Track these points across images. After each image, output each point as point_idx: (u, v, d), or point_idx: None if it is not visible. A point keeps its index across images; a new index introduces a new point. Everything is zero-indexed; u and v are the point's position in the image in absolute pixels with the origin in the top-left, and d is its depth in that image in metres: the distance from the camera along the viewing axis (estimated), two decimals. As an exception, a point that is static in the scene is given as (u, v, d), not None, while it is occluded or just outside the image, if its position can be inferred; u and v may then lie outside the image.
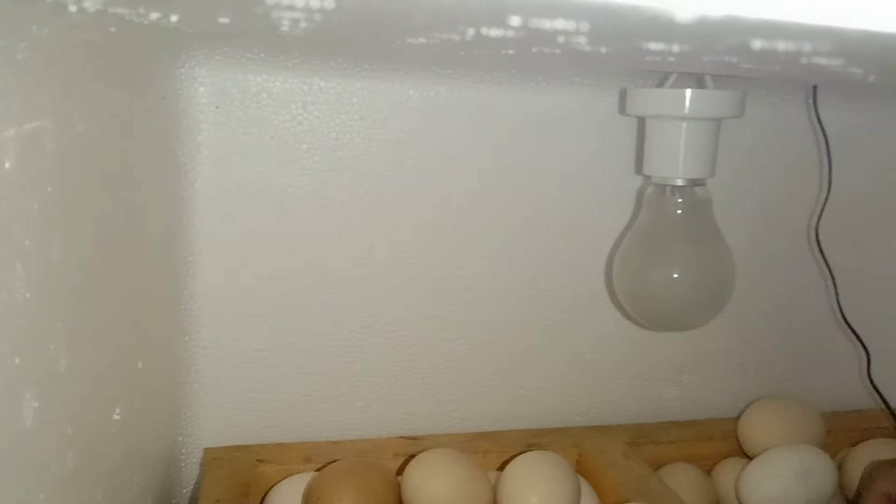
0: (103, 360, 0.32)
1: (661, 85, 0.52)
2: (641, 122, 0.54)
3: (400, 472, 0.49)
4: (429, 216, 0.54)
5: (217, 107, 0.49)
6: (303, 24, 0.22)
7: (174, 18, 0.26)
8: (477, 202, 0.54)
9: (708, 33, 0.16)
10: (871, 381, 0.59)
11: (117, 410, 0.34)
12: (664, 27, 0.16)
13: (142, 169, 0.40)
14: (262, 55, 0.49)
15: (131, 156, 0.38)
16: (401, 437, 0.55)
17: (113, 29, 0.30)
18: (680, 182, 0.49)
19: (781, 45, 0.18)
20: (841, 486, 0.54)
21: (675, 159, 0.48)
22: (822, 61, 0.22)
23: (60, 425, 0.27)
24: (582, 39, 0.21)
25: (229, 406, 0.54)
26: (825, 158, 0.58)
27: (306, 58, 0.49)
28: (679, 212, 0.49)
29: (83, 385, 0.29)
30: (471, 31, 0.21)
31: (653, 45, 0.22)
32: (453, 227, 0.55)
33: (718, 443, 0.58)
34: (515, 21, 0.17)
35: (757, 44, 0.18)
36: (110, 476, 0.33)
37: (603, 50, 0.25)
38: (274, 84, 0.50)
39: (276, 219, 0.51)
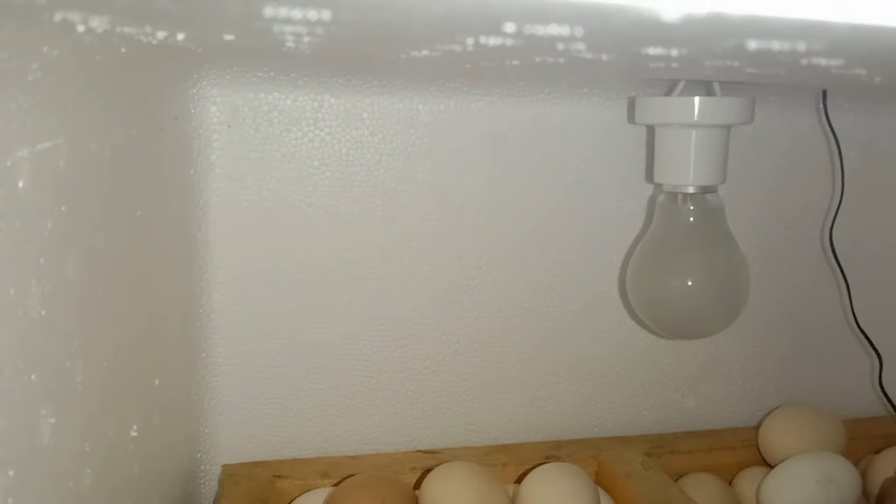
0: (119, 376, 0.32)
1: (669, 93, 0.53)
2: (651, 130, 0.54)
3: (417, 485, 0.49)
4: (441, 229, 0.54)
5: (229, 126, 0.50)
6: (306, 39, 0.22)
7: (181, 37, 0.26)
8: (488, 214, 0.55)
9: (699, 34, 0.16)
10: (883, 388, 0.59)
11: (135, 427, 0.35)
12: (654, 28, 0.16)
13: (155, 187, 0.41)
14: (272, 73, 0.49)
15: (144, 174, 0.38)
16: (418, 450, 0.55)
17: (123, 50, 0.30)
18: (691, 189, 0.48)
19: (776, 45, 0.18)
20: (864, 493, 0.53)
21: (686, 167, 0.48)
22: (823, 62, 0.22)
23: (78, 442, 0.27)
24: (581, 46, 0.21)
25: (246, 422, 0.55)
26: (837, 163, 0.58)
27: (316, 75, 0.50)
28: (691, 219, 0.49)
29: (100, 401, 0.29)
30: (470, 41, 0.21)
31: (651, 50, 0.22)
32: (465, 240, 0.55)
33: (738, 452, 0.57)
34: (510, 27, 0.17)
35: (752, 45, 0.18)
36: (128, 493, 0.34)
37: (604, 57, 0.25)
38: (285, 102, 0.50)
39: (290, 235, 0.52)
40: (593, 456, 0.54)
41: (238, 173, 0.50)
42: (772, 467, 0.53)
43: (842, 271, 0.58)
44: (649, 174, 0.54)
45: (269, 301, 0.53)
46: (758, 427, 0.58)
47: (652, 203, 0.55)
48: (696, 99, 0.47)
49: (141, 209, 0.37)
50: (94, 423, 0.29)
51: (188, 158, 0.49)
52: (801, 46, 0.18)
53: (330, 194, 0.52)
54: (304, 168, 0.51)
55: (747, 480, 0.54)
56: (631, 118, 0.54)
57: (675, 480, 0.54)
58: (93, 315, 0.29)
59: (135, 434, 0.34)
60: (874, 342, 0.59)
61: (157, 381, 0.40)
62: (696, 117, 0.47)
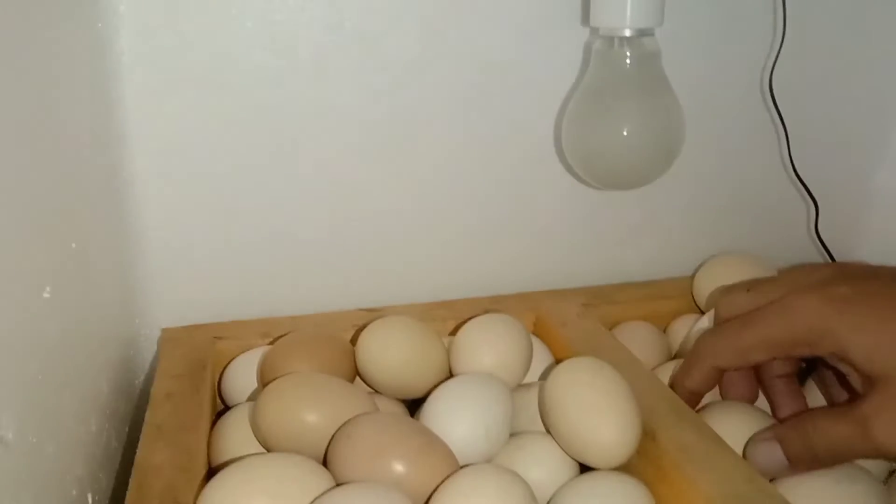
0: (21, 235, 0.31)
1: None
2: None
3: (355, 341, 0.50)
4: (371, 81, 0.52)
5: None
6: None
7: None
8: (421, 65, 0.52)
9: None
10: (818, 235, 0.60)
11: (47, 289, 0.34)
12: None
13: (58, 43, 0.38)
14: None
15: (45, 28, 0.35)
16: (360, 309, 0.55)
17: None
18: (628, 32, 0.47)
19: None
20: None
21: (623, 8, 0.46)
22: None
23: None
24: None
25: (184, 287, 0.54)
26: (780, 6, 0.56)
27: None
28: (628, 64, 0.47)
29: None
30: None
31: None
32: (398, 93, 0.53)
33: (674, 301, 0.59)
34: None
35: None
36: (45, 352, 0.33)
37: None
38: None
39: (209, 92, 0.49)
40: (531, 308, 0.55)
41: (150, 26, 0.47)
42: (704, 313, 0.54)
43: (780, 118, 0.57)
44: (585, 17, 0.52)
45: (194, 163, 0.51)
46: (693, 277, 0.59)
47: (588, 50, 0.53)
48: (634, -66, 0.44)
49: (42, 63, 0.35)
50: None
51: (93, 10, 0.45)
52: None
53: (251, 46, 0.49)
54: (221, 18, 0.48)
55: (681, 327, 0.56)
56: (568, -42, 0.51)
57: (610, 329, 0.55)
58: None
59: (48, 296, 0.34)
60: (811, 189, 0.59)
61: (73, 245, 0.38)
62: (633, -46, 0.44)
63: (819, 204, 0.60)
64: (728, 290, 0.46)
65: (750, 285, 0.45)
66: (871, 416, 0.36)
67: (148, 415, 0.41)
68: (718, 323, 0.45)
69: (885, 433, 0.36)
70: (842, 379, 0.43)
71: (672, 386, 0.46)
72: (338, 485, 0.35)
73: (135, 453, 0.38)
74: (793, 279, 0.43)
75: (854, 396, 0.39)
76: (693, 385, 0.44)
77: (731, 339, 0.43)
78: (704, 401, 0.46)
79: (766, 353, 0.41)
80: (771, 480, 0.39)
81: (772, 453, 0.39)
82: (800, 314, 0.40)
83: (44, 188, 0.34)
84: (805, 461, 0.39)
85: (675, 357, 0.54)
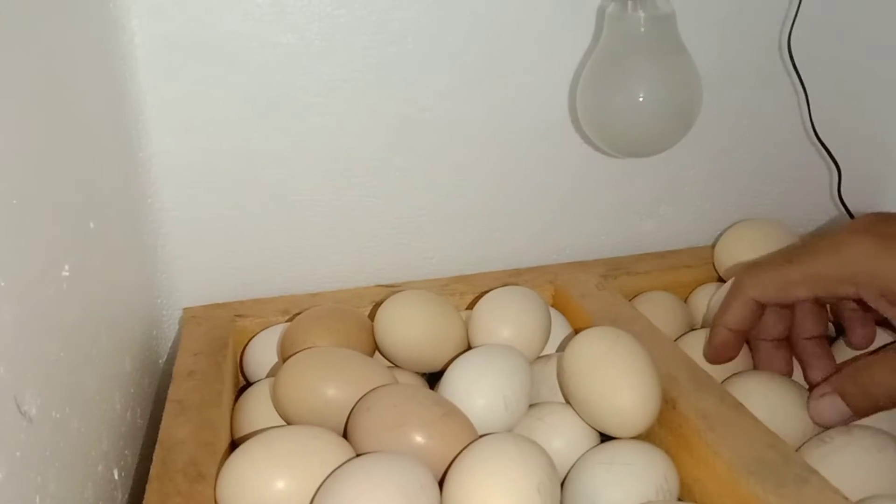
0: (33, 215, 0.31)
1: None
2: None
3: (373, 317, 0.50)
4: (384, 57, 0.52)
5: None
6: None
7: None
8: (434, 38, 0.52)
9: None
10: (841, 199, 0.58)
11: (66, 267, 0.34)
12: None
13: (71, 24, 0.38)
14: None
15: (57, 9, 0.35)
16: (378, 285, 0.55)
17: None
18: (642, -5, 0.46)
19: None
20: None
21: (636, -31, 0.45)
22: None
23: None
24: None
25: (205, 266, 0.55)
26: (799, -37, 0.54)
27: None
28: (642, 28, 0.46)
29: (12, 237, 0.28)
30: None
31: None
32: (412, 69, 0.52)
33: (695, 270, 0.58)
34: None
35: None
36: (67, 331, 0.33)
37: None
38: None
39: (223, 71, 0.49)
40: (550, 281, 0.54)
41: (161, 6, 0.47)
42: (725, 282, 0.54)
43: (800, 80, 0.56)
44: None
45: (211, 142, 0.51)
46: (714, 246, 0.58)
47: (601, 14, 0.52)
48: None
49: (57, 45, 0.35)
50: (6, 259, 0.28)
51: (104, -9, 0.45)
52: None
53: (261, 22, 0.49)
54: (230, -5, 0.48)
55: (702, 296, 0.55)
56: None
57: (630, 300, 0.55)
58: (4, 155, 0.28)
59: (67, 274, 0.34)
60: (833, 152, 0.58)
61: (91, 224, 0.39)
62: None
63: (842, 168, 0.59)
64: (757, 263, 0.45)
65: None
66: None
67: (171, 391, 0.42)
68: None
69: None
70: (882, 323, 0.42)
71: (712, 327, 0.45)
72: (358, 455, 0.35)
73: (158, 429, 0.39)
74: (836, 229, 0.42)
75: None
76: (734, 321, 0.43)
77: (775, 272, 0.42)
78: (731, 369, 0.45)
79: (810, 289, 0.41)
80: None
81: (835, 406, 0.40)
82: (851, 251, 0.39)
83: (60, 167, 0.35)
84: (868, 410, 0.40)
85: (700, 327, 0.54)
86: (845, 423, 0.40)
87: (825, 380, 0.42)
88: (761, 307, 0.43)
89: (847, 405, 0.40)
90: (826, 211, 0.64)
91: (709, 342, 0.45)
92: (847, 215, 0.59)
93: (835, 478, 0.33)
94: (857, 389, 0.40)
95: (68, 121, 0.37)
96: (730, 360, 0.45)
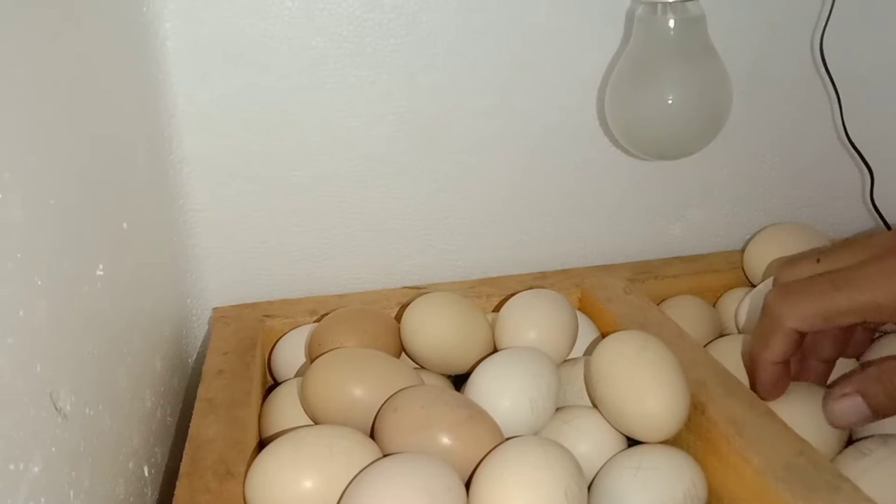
0: (71, 214, 0.32)
1: None
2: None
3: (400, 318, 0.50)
4: (414, 62, 0.52)
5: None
6: None
7: None
8: (462, 40, 0.52)
9: None
10: (874, 204, 0.57)
11: (101, 266, 0.35)
12: None
13: (105, 26, 0.39)
14: None
15: (91, 13, 0.36)
16: (405, 287, 0.56)
17: None
18: (671, -2, 0.45)
19: None
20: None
21: (666, -27, 0.45)
22: None
23: (26, 274, 0.27)
24: None
25: (234, 267, 0.55)
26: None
27: None
28: (671, 31, 0.46)
29: (48, 237, 0.29)
30: None
31: None
32: (441, 73, 0.52)
33: (724, 275, 0.58)
34: None
35: None
36: (99, 328, 0.34)
37: None
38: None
39: (253, 73, 0.50)
40: (577, 284, 0.54)
41: (192, 7, 0.48)
42: (755, 287, 0.53)
43: (833, 84, 0.55)
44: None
45: (241, 144, 0.52)
46: (744, 249, 0.58)
47: (630, 18, 0.52)
48: None
49: (92, 49, 0.35)
50: (43, 258, 0.28)
51: (138, -5, 0.46)
52: None
53: (291, 26, 0.49)
54: (262, -1, 0.48)
55: (731, 301, 0.55)
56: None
57: (658, 304, 0.55)
58: (28, 151, 0.28)
59: (101, 273, 0.35)
60: (865, 156, 0.57)
61: (124, 225, 0.39)
62: (677, -83, 0.43)
63: (874, 172, 0.58)
64: (793, 259, 0.43)
65: (820, 254, 0.41)
66: None
67: (200, 390, 0.42)
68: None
69: None
70: None
71: (751, 364, 0.42)
72: (385, 456, 0.35)
73: (187, 428, 0.39)
74: (875, 243, 0.40)
75: None
76: (776, 355, 0.40)
77: (820, 301, 0.38)
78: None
79: (860, 317, 0.38)
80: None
81: (856, 407, 0.38)
82: None
83: (94, 169, 0.35)
84: (889, 412, 0.38)
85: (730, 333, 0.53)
86: (862, 424, 0.39)
87: (844, 380, 0.40)
88: (802, 336, 0.40)
89: (869, 405, 0.38)
90: (858, 215, 0.63)
91: (757, 381, 0.42)
92: (880, 220, 0.58)
93: (875, 490, 0.33)
94: (881, 390, 0.38)
95: (102, 123, 0.37)
96: (785, 390, 0.42)
